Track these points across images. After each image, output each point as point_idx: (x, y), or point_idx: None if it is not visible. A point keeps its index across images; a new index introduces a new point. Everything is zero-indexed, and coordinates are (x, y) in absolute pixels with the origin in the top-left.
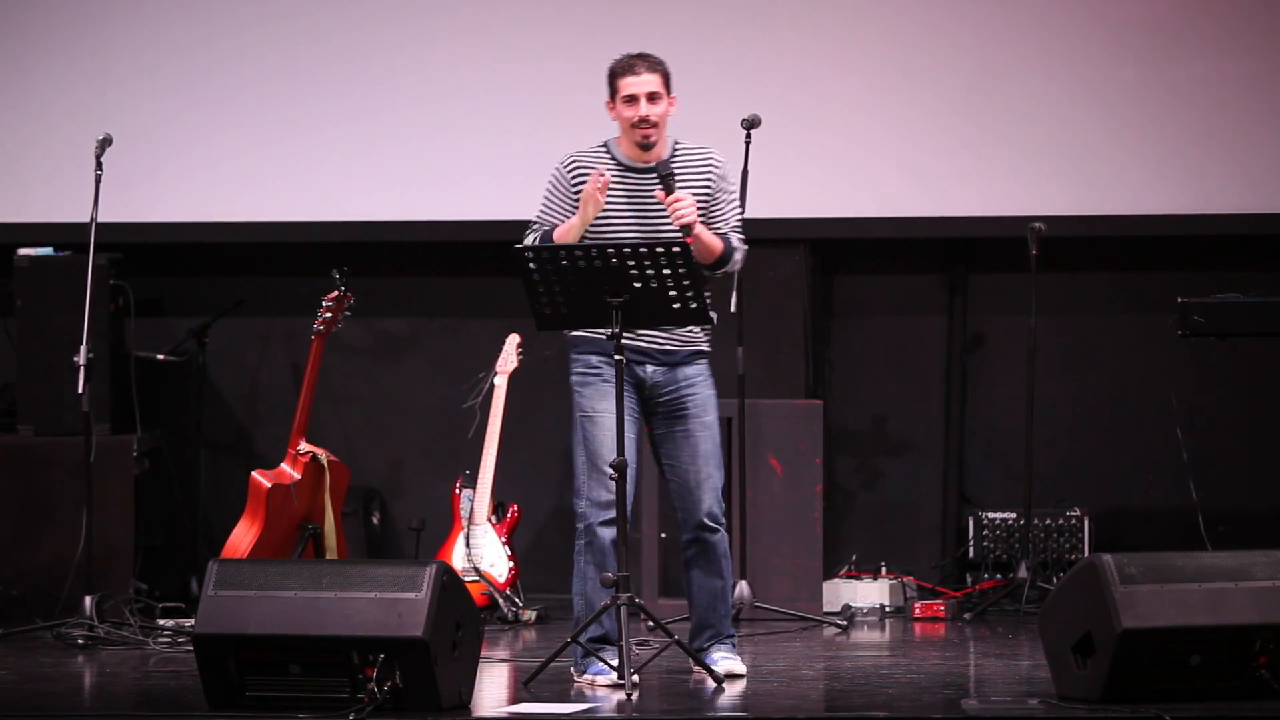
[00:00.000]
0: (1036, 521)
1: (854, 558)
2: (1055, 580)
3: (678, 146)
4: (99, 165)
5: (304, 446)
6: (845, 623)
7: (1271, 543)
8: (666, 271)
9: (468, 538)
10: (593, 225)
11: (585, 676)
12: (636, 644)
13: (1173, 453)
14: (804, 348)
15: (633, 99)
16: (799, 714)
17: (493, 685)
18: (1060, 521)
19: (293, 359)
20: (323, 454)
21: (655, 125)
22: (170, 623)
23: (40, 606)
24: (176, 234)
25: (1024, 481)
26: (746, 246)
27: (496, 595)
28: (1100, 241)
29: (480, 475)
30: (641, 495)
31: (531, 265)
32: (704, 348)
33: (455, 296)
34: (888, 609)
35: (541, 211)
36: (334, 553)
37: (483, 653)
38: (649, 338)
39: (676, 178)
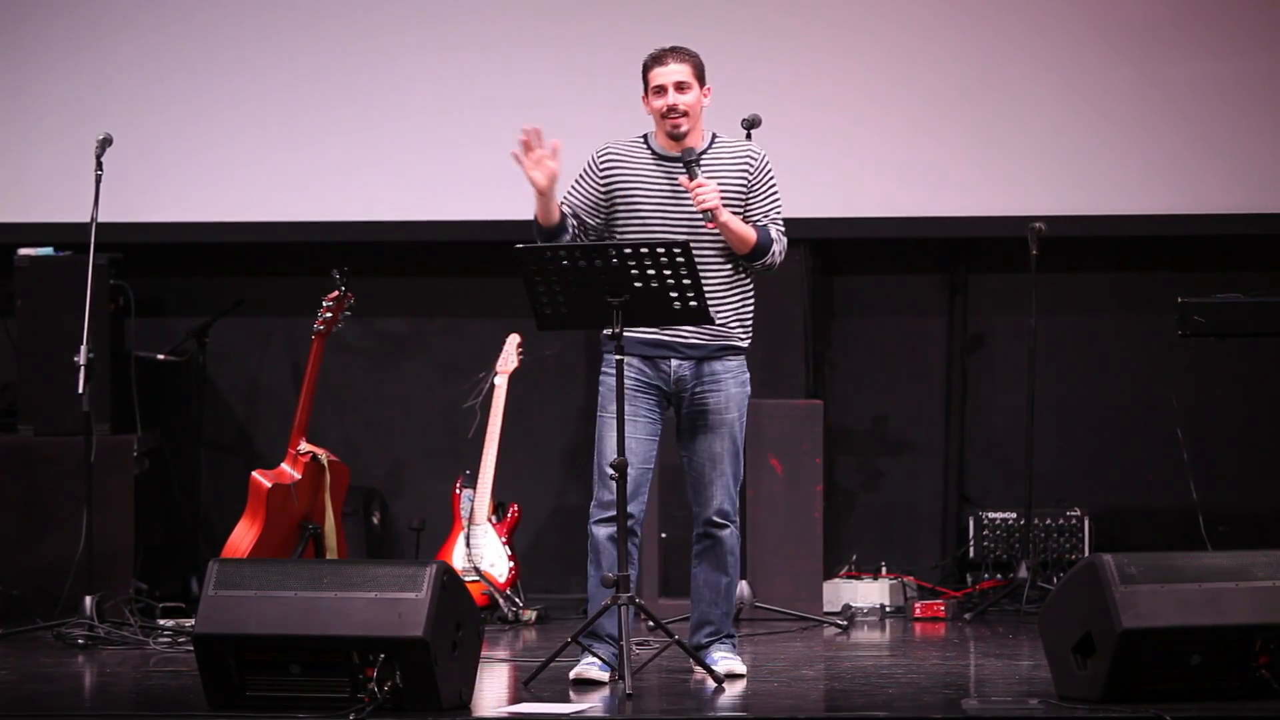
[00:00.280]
0: (1036, 521)
1: (854, 558)
2: (1055, 580)
3: (717, 139)
4: (99, 165)
5: (304, 446)
6: (845, 623)
7: (1271, 543)
8: (667, 271)
9: (468, 538)
10: (629, 214)
11: (574, 670)
12: (636, 644)
13: (1173, 453)
14: (804, 348)
15: (661, 89)
16: (799, 714)
17: (493, 685)
18: (1060, 521)
19: (293, 359)
20: (323, 454)
21: (685, 115)
22: (170, 623)
23: (40, 606)
24: (176, 234)
25: (1024, 481)
26: (786, 240)
27: (497, 595)
28: (1100, 241)
29: (480, 475)
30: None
31: (532, 265)
32: (738, 344)
33: (455, 296)
34: (888, 609)
35: (566, 194)
36: (334, 553)
37: (483, 653)
38: (675, 331)
39: (703, 166)
